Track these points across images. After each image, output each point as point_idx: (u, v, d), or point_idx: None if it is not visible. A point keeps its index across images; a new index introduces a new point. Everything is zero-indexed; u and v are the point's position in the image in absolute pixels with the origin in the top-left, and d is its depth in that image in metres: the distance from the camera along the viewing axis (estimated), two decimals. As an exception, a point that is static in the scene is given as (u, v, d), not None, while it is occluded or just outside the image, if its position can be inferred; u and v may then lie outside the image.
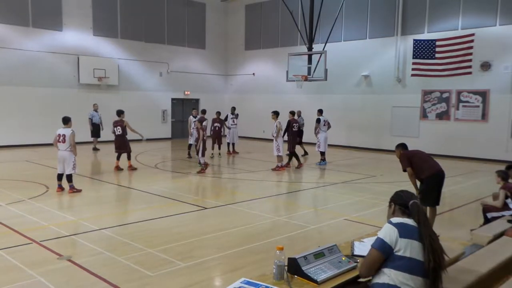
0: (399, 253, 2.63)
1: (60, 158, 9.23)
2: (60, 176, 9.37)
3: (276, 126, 12.68)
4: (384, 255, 2.68)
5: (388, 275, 2.65)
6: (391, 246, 2.65)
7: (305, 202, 9.54)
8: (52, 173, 11.42)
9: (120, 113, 12.19)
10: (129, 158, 12.31)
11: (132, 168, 12.22)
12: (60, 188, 9.32)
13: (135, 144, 18.86)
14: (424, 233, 2.66)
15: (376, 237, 2.79)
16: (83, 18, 19.05)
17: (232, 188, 10.76)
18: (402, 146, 6.88)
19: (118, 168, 12.17)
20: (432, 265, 2.58)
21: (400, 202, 2.89)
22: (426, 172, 6.48)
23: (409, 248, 2.63)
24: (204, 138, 12.11)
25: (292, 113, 13.90)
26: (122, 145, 12.19)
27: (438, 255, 2.63)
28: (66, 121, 9.37)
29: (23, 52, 17.42)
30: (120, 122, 12.07)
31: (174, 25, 22.19)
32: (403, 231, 2.67)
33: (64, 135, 9.13)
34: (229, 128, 16.53)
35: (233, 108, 17.39)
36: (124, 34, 20.43)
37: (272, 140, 13.13)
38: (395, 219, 2.77)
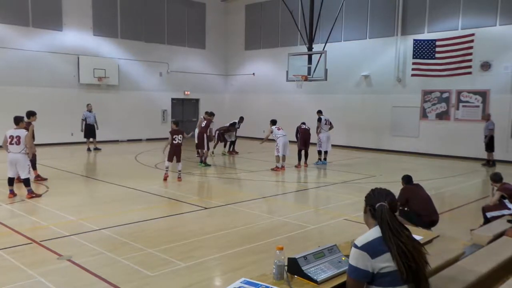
0: (382, 271, 2.48)
1: (12, 161, 8.38)
2: (11, 181, 8.56)
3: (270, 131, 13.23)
4: (363, 280, 2.53)
5: None
6: (367, 270, 2.49)
7: (305, 202, 9.55)
8: (52, 173, 11.49)
9: (28, 114, 10.18)
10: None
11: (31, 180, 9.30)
12: (12, 193, 8.52)
13: (135, 144, 18.88)
14: (388, 241, 2.49)
15: (348, 263, 2.60)
16: (83, 18, 19.04)
17: (232, 188, 10.76)
18: (406, 179, 6.67)
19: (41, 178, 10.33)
20: (403, 270, 2.43)
21: (369, 203, 2.68)
22: (422, 217, 6.26)
23: (387, 263, 2.48)
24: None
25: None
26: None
27: (412, 257, 2.47)
28: (19, 121, 8.55)
29: (23, 52, 17.41)
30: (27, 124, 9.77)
31: (174, 25, 22.18)
32: (373, 252, 2.48)
33: (18, 136, 8.33)
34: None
35: (241, 118, 16.98)
36: (124, 34, 20.42)
37: (273, 141, 13.19)
38: (360, 240, 2.56)
